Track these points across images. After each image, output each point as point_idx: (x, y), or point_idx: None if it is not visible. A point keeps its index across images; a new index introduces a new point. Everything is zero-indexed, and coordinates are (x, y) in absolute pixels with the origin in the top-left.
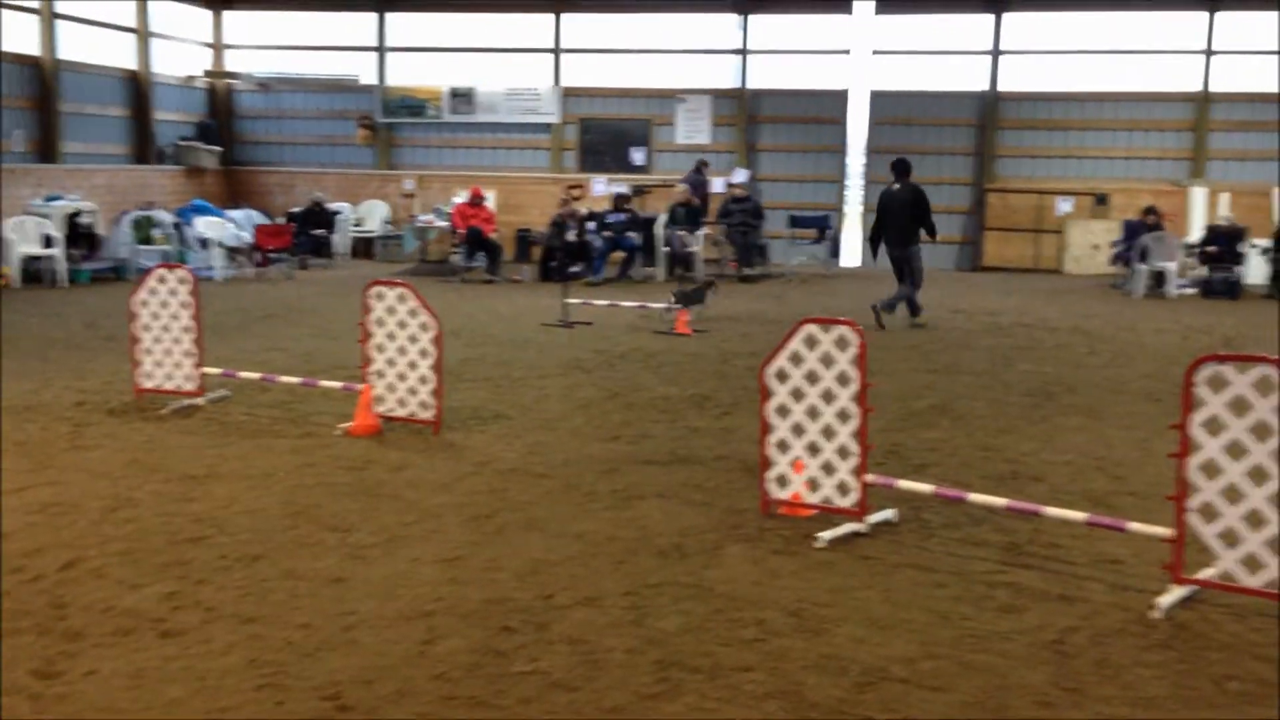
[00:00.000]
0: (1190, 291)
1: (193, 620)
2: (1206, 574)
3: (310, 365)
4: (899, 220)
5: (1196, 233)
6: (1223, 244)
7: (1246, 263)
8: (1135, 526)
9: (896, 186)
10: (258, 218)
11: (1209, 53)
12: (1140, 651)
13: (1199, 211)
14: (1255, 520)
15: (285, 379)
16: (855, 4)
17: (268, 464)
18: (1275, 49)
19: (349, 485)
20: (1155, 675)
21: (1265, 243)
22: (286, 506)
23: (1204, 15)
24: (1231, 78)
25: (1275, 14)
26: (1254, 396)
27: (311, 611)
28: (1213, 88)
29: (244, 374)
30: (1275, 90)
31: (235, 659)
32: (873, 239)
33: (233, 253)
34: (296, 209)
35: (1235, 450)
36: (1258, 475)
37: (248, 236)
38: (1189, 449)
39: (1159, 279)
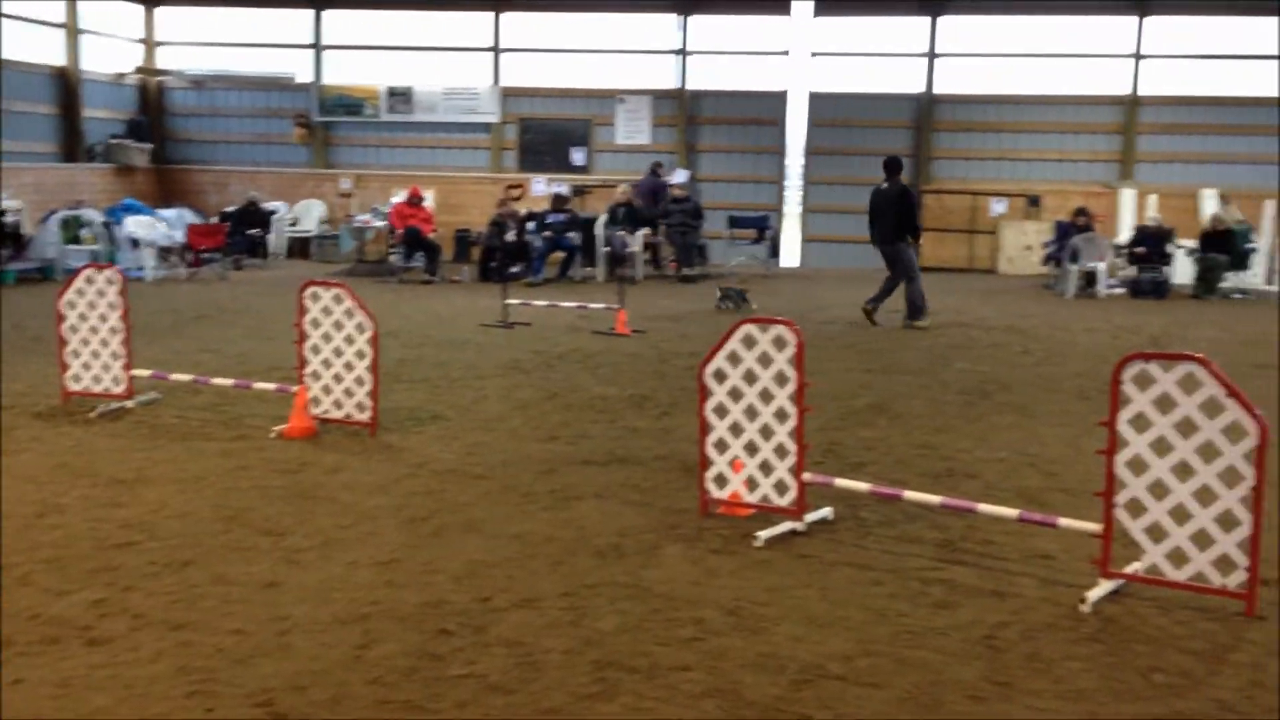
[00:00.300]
0: (1119, 291)
1: (121, 627)
2: (1134, 568)
3: (244, 367)
4: (887, 217)
5: (1125, 234)
6: (1151, 245)
7: (1173, 263)
8: (1065, 522)
9: (885, 185)
10: (190, 217)
11: (1138, 57)
12: (1070, 645)
13: (1128, 213)
14: (1180, 515)
15: (218, 381)
16: (794, 6)
17: (199, 468)
18: (1201, 53)
19: (283, 488)
20: (1084, 668)
21: (1191, 244)
22: (218, 511)
23: (1133, 20)
24: (1159, 82)
25: (1201, 19)
26: (1178, 394)
27: (243, 617)
28: (1141, 91)
29: (175, 376)
30: (1201, 94)
31: (164, 666)
32: (871, 236)
33: (164, 253)
34: (231, 208)
35: (1161, 447)
36: (1182, 471)
37: (180, 236)
38: (1117, 446)
39: (1090, 279)
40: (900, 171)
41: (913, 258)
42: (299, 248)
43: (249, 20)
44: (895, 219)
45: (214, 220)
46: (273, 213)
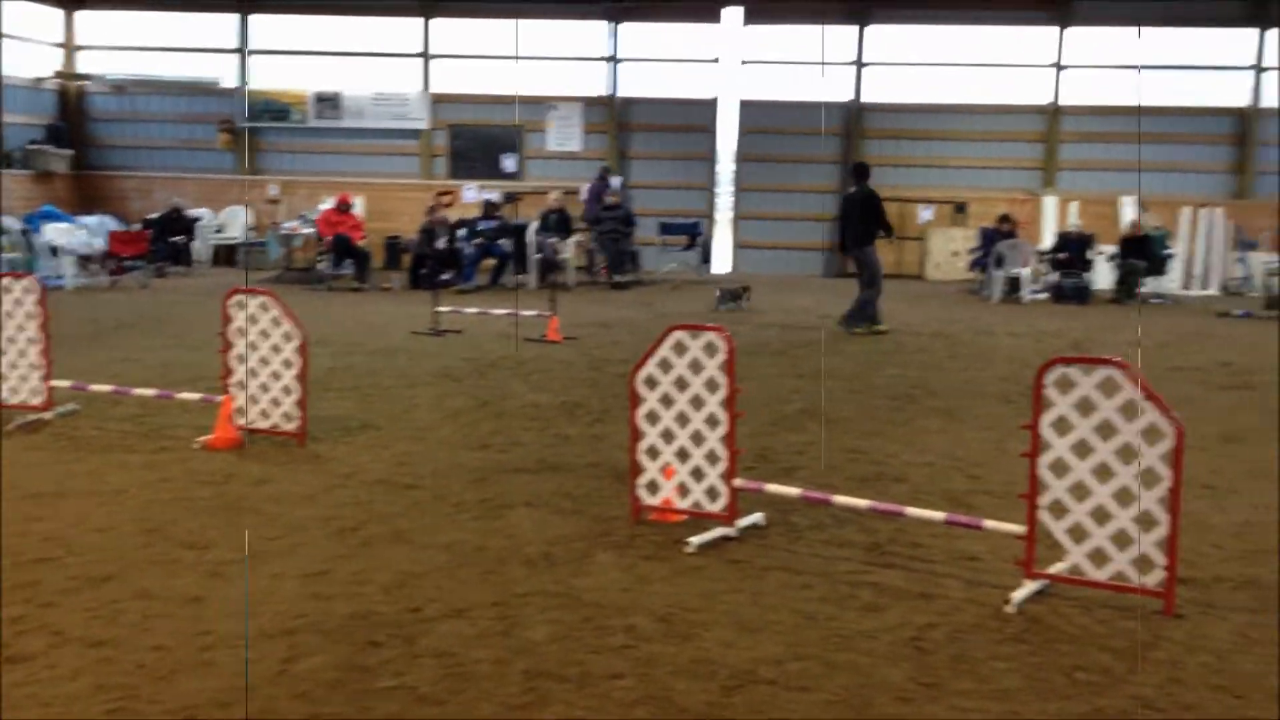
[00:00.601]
0: (1043, 296)
1: (39, 645)
2: (1057, 568)
3: (167, 377)
4: (853, 222)
5: (1049, 240)
6: (1073, 250)
7: (1094, 269)
8: (990, 524)
9: (853, 189)
10: (112, 224)
11: (1059, 67)
12: (995, 645)
13: (1051, 219)
14: (1101, 516)
15: (140, 391)
16: (724, 13)
17: (120, 480)
18: (1120, 64)
19: (207, 500)
20: (1009, 668)
21: (1111, 249)
22: (140, 524)
23: (1054, 31)
24: (1080, 91)
25: (1120, 30)
26: (1099, 397)
27: (166, 633)
28: (1062, 101)
29: (95, 387)
30: (1120, 104)
31: (83, 684)
32: (840, 242)
33: (85, 260)
34: (154, 215)
35: (1082, 449)
36: (1103, 473)
37: (101, 243)
38: (1039, 449)
39: (1014, 284)
40: (867, 176)
41: (877, 264)
42: (225, 255)
43: (173, 24)
44: (862, 223)
45: (136, 227)
46: (197, 219)
